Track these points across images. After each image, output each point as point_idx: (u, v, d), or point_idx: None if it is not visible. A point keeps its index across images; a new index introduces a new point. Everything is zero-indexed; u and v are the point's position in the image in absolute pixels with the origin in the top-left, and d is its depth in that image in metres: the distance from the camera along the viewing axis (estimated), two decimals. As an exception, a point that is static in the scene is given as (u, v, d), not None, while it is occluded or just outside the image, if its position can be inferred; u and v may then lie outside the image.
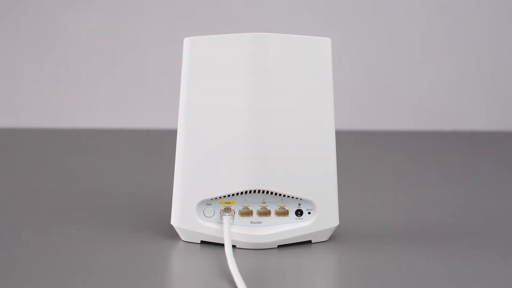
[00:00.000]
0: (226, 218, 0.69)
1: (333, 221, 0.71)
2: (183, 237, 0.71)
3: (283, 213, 0.70)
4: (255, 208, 0.70)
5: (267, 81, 0.68)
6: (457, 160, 1.30)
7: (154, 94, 1.74)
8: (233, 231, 0.69)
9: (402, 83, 1.77)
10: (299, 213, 0.70)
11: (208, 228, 0.70)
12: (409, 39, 1.76)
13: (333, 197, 0.71)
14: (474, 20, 1.76)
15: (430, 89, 1.76)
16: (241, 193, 0.69)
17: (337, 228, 0.73)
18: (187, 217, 0.70)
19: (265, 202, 0.70)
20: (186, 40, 0.69)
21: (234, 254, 0.65)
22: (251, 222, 0.70)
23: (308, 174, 0.69)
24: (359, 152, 1.37)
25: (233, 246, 0.69)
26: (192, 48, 0.69)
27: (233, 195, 0.70)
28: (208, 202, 0.70)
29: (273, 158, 0.69)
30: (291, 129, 0.69)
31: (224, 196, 0.70)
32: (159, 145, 1.40)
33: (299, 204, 0.70)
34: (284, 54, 0.69)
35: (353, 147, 1.41)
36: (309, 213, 0.70)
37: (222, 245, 0.69)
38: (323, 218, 0.70)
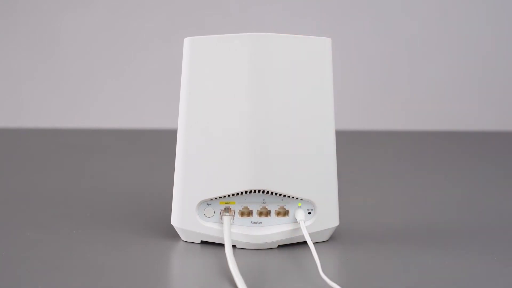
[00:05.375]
0: (226, 218, 0.69)
1: (333, 221, 0.71)
2: (183, 237, 0.71)
3: (283, 213, 0.70)
4: (255, 208, 0.70)
5: (267, 81, 0.68)
6: (457, 160, 1.30)
7: (154, 94, 1.74)
8: (233, 231, 0.69)
9: (401, 83, 1.77)
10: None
11: (208, 228, 0.70)
12: (409, 39, 1.76)
13: (333, 197, 0.71)
14: (474, 21, 1.76)
15: (430, 89, 1.76)
16: (241, 193, 0.69)
17: (337, 228, 0.73)
18: (187, 217, 0.70)
19: (265, 202, 0.70)
20: (186, 40, 0.69)
21: (234, 254, 0.65)
22: (251, 222, 0.70)
23: (308, 174, 0.69)
24: (359, 152, 1.37)
25: (233, 246, 0.69)
26: (192, 48, 0.69)
27: (233, 195, 0.70)
28: (208, 202, 0.70)
29: (273, 158, 0.69)
30: (291, 129, 0.69)
31: (224, 196, 0.70)
32: (159, 145, 1.40)
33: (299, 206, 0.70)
34: (284, 54, 0.68)
35: (353, 147, 1.41)
36: (309, 213, 0.70)
37: (222, 245, 0.69)
38: (323, 218, 0.70)
